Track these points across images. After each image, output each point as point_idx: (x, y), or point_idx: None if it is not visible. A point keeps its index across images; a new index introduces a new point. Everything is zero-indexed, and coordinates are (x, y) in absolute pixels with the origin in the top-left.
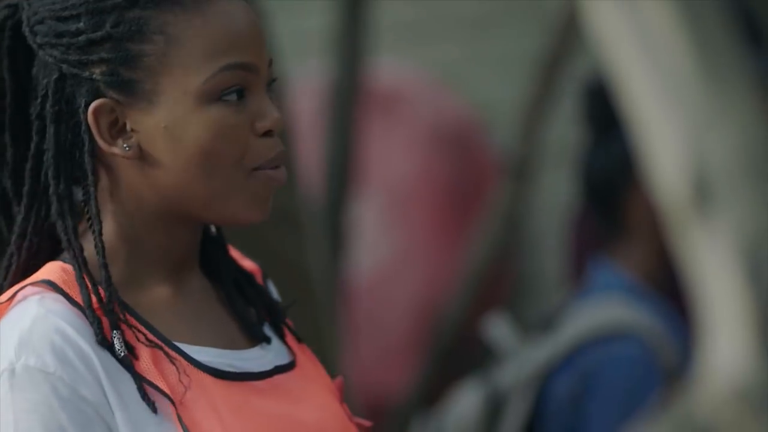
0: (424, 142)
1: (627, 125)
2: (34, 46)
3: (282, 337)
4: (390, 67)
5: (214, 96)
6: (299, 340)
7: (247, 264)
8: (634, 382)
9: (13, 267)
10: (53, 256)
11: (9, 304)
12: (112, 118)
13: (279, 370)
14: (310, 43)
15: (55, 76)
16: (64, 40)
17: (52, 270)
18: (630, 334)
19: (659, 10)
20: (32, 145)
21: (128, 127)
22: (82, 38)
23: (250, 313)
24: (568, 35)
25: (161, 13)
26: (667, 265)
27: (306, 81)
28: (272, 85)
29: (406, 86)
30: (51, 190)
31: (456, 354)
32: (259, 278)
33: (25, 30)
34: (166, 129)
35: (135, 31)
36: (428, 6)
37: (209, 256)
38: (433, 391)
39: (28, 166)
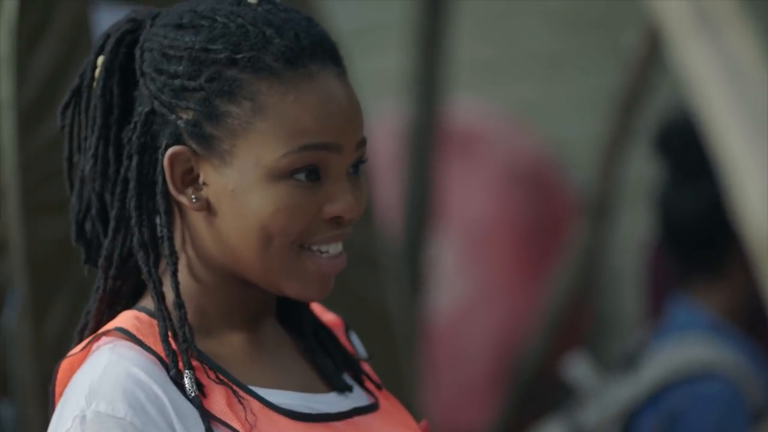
0: (502, 180)
1: (715, 164)
2: (138, 70)
3: (362, 385)
4: (467, 106)
5: (285, 173)
6: (379, 387)
7: (329, 317)
8: (722, 421)
9: (100, 291)
10: (134, 298)
11: (84, 355)
12: (188, 166)
13: (359, 411)
14: (388, 83)
15: (147, 109)
16: (162, 78)
17: (125, 318)
18: (715, 372)
19: (746, 49)
20: (122, 170)
21: (201, 179)
22: (177, 82)
23: (328, 364)
24: (645, 72)
25: (257, 80)
26: (752, 303)
27: (384, 120)
28: (360, 166)
29: (483, 125)
30: (133, 221)
31: (536, 392)
32: (341, 331)
33: (137, 51)
34: (233, 192)
35: (226, 91)
36: (504, 44)
37: (288, 306)
38: (512, 430)
39: (117, 189)
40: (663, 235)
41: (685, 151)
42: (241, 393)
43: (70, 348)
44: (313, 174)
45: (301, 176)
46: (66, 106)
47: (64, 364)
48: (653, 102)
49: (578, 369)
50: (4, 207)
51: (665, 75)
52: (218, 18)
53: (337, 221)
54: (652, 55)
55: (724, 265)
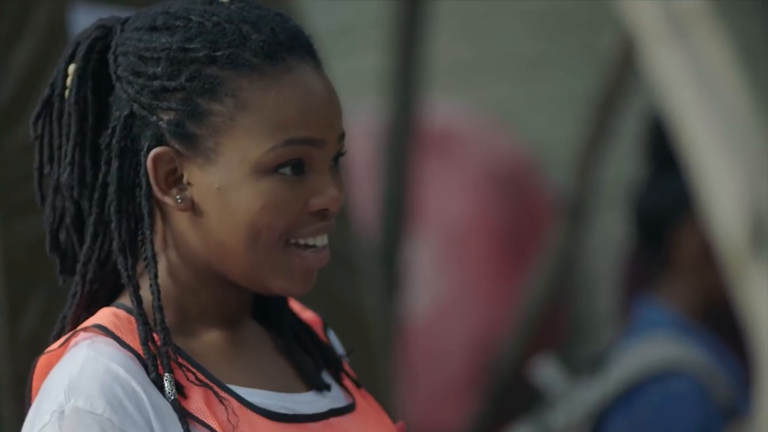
0: (479, 182)
1: (682, 163)
2: (114, 75)
3: (340, 383)
4: (444, 108)
5: (270, 168)
6: (358, 385)
7: (308, 315)
8: (691, 418)
9: (77, 297)
10: (111, 299)
11: (62, 351)
12: (171, 167)
13: (335, 412)
14: (365, 83)
15: (125, 112)
16: (140, 81)
17: (103, 315)
18: (682, 371)
19: (717, 54)
20: (100, 175)
21: (185, 179)
22: (156, 83)
23: (307, 362)
24: (622, 74)
25: (237, 77)
26: (712, 301)
27: (361, 121)
28: (339, 159)
29: (461, 126)
30: (113, 225)
31: (511, 393)
32: (319, 329)
33: (110, 56)
34: (219, 190)
35: (207, 89)
36: (482, 46)
37: (267, 304)
38: (488, 430)
39: (96, 195)
40: (634, 231)
41: (654, 147)
42: (220, 392)
43: (45, 347)
44: (298, 168)
45: (287, 170)
46: (38, 116)
47: (42, 360)
48: (630, 104)
49: (546, 372)
50: None
51: (642, 77)
52: (193, 17)
53: (322, 214)
54: (629, 58)
55: (675, 259)
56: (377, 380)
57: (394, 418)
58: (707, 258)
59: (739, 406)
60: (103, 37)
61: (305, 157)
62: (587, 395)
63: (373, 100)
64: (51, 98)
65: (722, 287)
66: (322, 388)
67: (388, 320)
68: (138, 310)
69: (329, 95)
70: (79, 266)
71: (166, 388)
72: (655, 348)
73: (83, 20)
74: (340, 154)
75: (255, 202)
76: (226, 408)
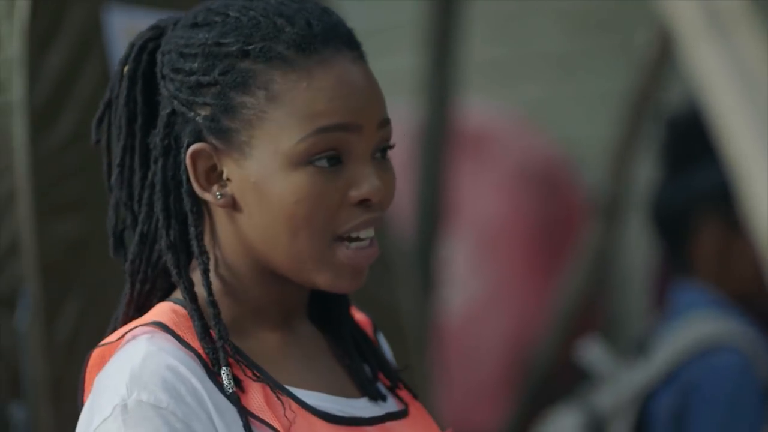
0: (513, 181)
1: (697, 160)
2: (159, 74)
3: (393, 389)
4: (478, 107)
5: (304, 159)
6: (415, 396)
7: (360, 317)
8: (736, 391)
9: (127, 297)
10: (168, 296)
11: (118, 344)
12: (211, 163)
13: (391, 417)
14: (400, 84)
15: (168, 110)
16: (179, 77)
17: (161, 311)
18: (726, 345)
19: (757, 53)
20: (149, 174)
21: (224, 175)
22: (192, 79)
23: (364, 370)
24: (656, 73)
25: (269, 70)
26: (743, 296)
27: (395, 121)
28: (386, 150)
29: (495, 126)
30: (160, 223)
31: (547, 392)
32: (370, 331)
33: (158, 56)
34: (255, 184)
35: (240, 83)
36: (515, 45)
37: (324, 305)
38: (524, 429)
39: (145, 194)
40: (653, 234)
41: (666, 149)
42: (278, 392)
43: (81, 349)
44: (334, 159)
45: (322, 162)
46: (100, 120)
47: (96, 353)
48: (664, 103)
49: (593, 353)
50: (15, 209)
51: (677, 76)
52: (230, 13)
53: (365, 205)
54: (663, 56)
55: (693, 260)
56: (413, 379)
57: (433, 418)
58: (722, 258)
59: None
60: (155, 38)
61: (340, 146)
62: (634, 377)
63: (408, 99)
64: (110, 101)
65: (747, 284)
66: (377, 397)
67: (423, 319)
68: (192, 306)
69: (366, 83)
70: (126, 265)
71: (224, 382)
72: (698, 326)
73: (117, 21)
74: (387, 146)
75: (290, 196)
76: (283, 404)
